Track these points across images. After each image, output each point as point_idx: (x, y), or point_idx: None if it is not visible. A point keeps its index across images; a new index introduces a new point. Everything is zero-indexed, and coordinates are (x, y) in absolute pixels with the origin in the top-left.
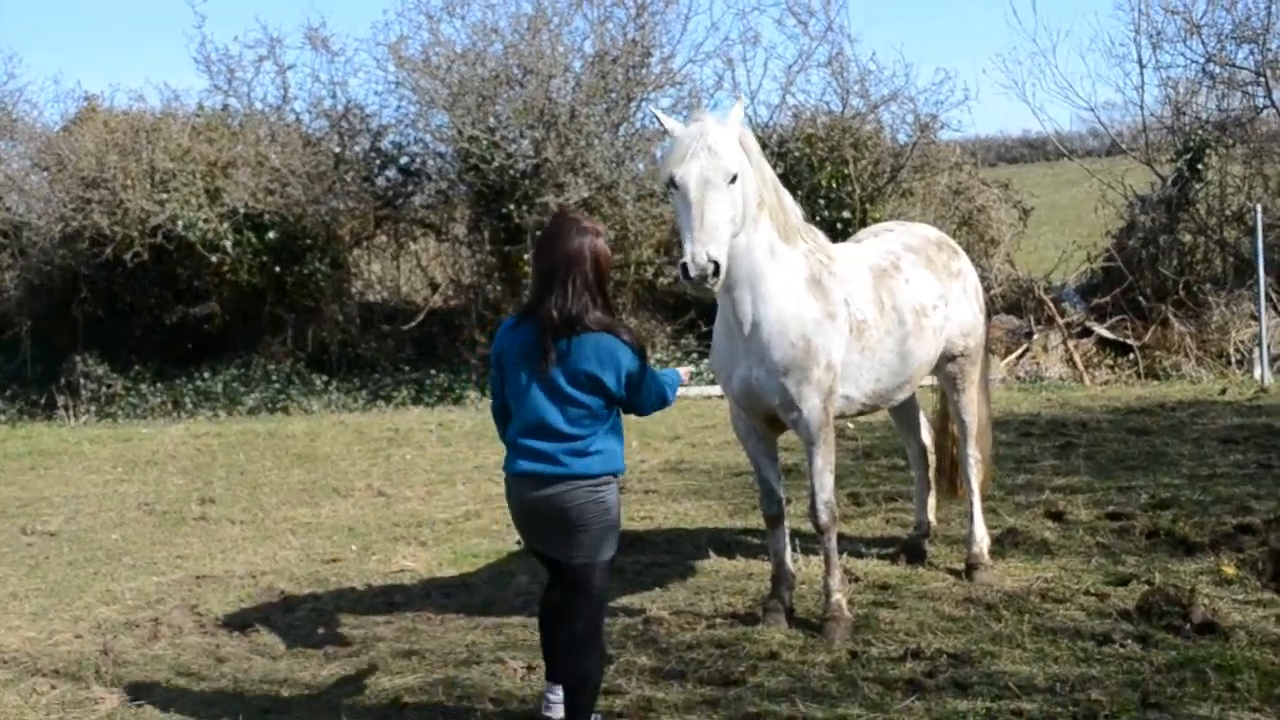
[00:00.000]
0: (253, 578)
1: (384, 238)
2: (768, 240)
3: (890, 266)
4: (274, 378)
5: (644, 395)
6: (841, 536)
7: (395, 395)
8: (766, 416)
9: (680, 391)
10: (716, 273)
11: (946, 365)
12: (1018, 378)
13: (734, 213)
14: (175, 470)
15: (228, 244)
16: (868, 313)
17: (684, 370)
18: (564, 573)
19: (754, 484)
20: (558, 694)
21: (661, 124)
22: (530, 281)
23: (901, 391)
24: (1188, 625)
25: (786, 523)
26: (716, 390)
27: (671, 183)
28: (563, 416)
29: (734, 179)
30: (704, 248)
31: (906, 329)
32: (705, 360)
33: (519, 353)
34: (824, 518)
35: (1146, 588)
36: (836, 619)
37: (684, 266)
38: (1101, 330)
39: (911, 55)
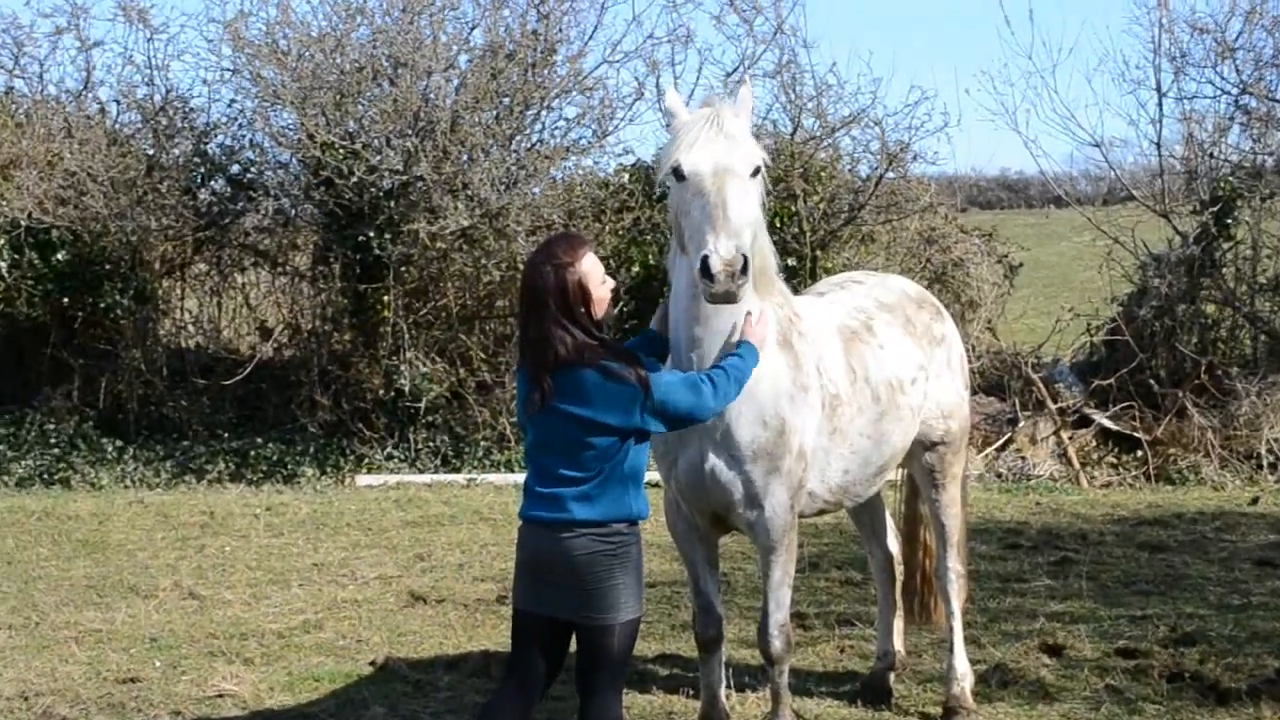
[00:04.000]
0: (24, 699)
1: (204, 266)
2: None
3: (861, 328)
4: (53, 440)
5: (671, 410)
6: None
7: (210, 469)
8: (714, 514)
9: None
10: (745, 269)
11: (924, 455)
12: (998, 475)
13: (755, 214)
14: None
15: (3, 266)
16: (840, 385)
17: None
18: (579, 639)
19: (687, 599)
20: None
21: (667, 105)
22: None
23: (870, 486)
24: None
25: (724, 648)
26: None
27: (677, 174)
28: (559, 459)
29: (756, 171)
30: (730, 240)
31: (881, 407)
32: None
33: (524, 396)
34: (778, 644)
35: None
36: None
37: (704, 261)
38: (1103, 419)
39: (881, 69)
